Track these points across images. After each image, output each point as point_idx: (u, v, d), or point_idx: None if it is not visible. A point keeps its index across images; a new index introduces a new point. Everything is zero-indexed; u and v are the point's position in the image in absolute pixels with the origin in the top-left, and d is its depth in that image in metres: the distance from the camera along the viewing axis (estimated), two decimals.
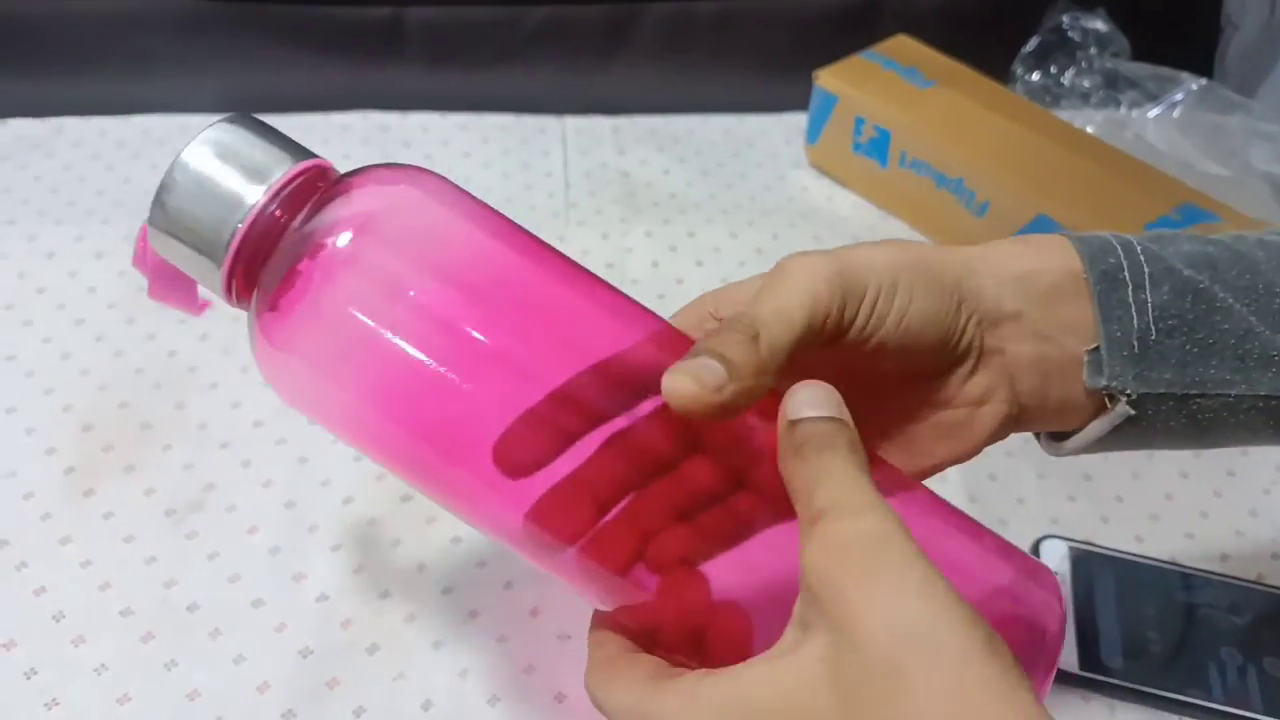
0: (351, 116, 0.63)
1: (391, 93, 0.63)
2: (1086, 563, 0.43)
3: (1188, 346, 0.29)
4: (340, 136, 0.62)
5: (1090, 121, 0.64)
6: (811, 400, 0.25)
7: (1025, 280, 0.29)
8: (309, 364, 0.27)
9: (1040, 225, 0.53)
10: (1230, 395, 0.29)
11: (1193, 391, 0.29)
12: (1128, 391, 0.29)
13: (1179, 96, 0.64)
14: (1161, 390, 0.29)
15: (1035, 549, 0.43)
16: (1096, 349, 0.29)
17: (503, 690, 0.38)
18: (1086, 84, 0.66)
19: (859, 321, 0.27)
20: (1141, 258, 0.29)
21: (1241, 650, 0.40)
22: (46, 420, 0.45)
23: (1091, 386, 0.29)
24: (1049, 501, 0.46)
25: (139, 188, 0.57)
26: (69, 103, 0.61)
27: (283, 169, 0.27)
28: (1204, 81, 0.63)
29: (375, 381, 0.27)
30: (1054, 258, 0.30)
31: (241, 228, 0.27)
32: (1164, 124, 0.63)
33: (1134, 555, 0.44)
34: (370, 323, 0.26)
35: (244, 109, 0.64)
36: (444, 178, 0.29)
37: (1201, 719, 0.39)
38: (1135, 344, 0.29)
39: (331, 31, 0.64)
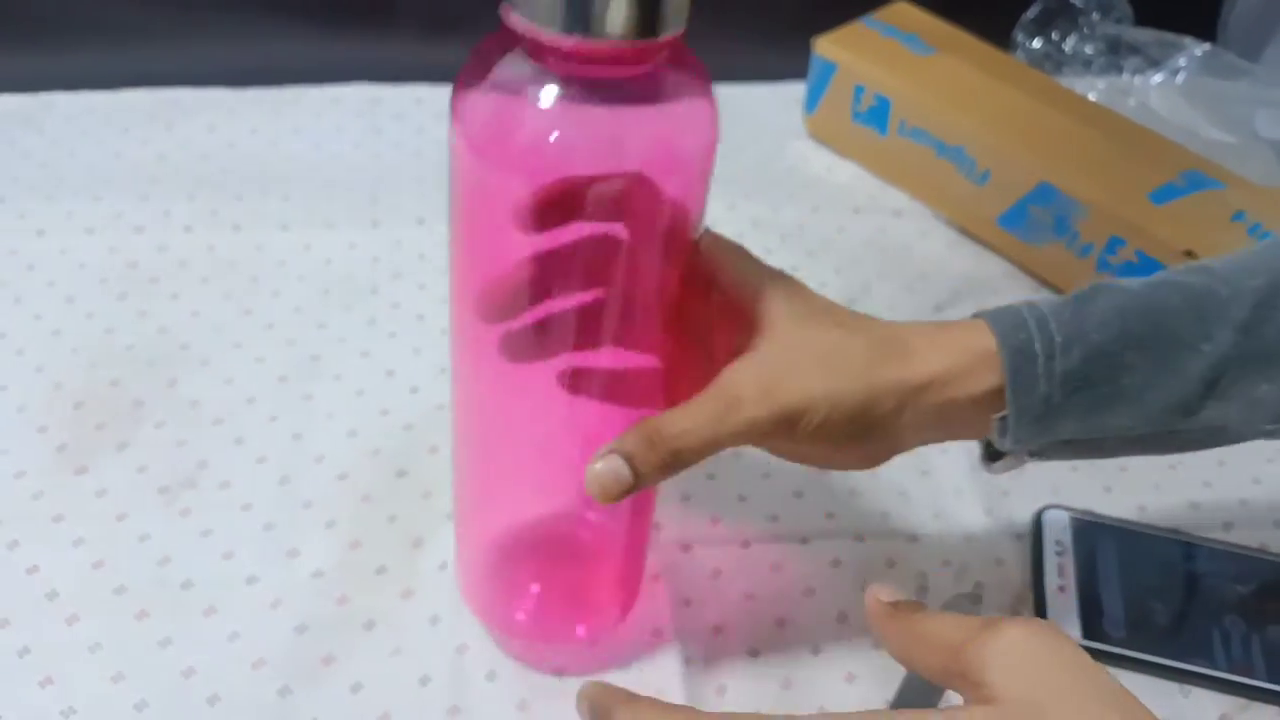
0: (343, 89, 0.62)
1: (383, 64, 0.63)
2: (1089, 533, 0.43)
3: (1091, 401, 0.31)
4: (332, 109, 0.61)
5: (1092, 89, 0.63)
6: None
7: (945, 407, 0.31)
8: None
9: (1043, 193, 0.53)
10: (1128, 432, 0.32)
11: (1094, 436, 0.32)
12: (1031, 450, 0.33)
13: (1182, 62, 0.63)
14: (1065, 439, 0.32)
15: (1038, 519, 0.43)
16: (1004, 417, 0.32)
17: (500, 666, 0.37)
18: (1089, 50, 0.65)
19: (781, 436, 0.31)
20: (1053, 328, 0.31)
21: (1245, 619, 0.40)
22: (38, 398, 0.45)
23: (999, 448, 0.33)
24: (1050, 471, 0.45)
25: (129, 163, 0.57)
26: (58, 77, 0.60)
27: None
28: (1208, 47, 0.63)
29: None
30: (977, 366, 0.31)
31: None
32: (1167, 90, 0.62)
33: (1137, 525, 0.43)
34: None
35: (236, 82, 0.64)
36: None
37: (1205, 687, 0.39)
38: (1042, 407, 0.31)
39: (322, 2, 0.63)
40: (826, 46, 0.60)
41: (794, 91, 0.64)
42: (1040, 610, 0.40)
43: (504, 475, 0.34)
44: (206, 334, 0.48)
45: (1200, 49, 0.63)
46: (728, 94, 0.64)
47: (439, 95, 0.62)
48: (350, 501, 0.42)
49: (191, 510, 0.41)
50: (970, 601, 0.40)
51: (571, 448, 0.32)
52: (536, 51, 0.25)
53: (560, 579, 0.38)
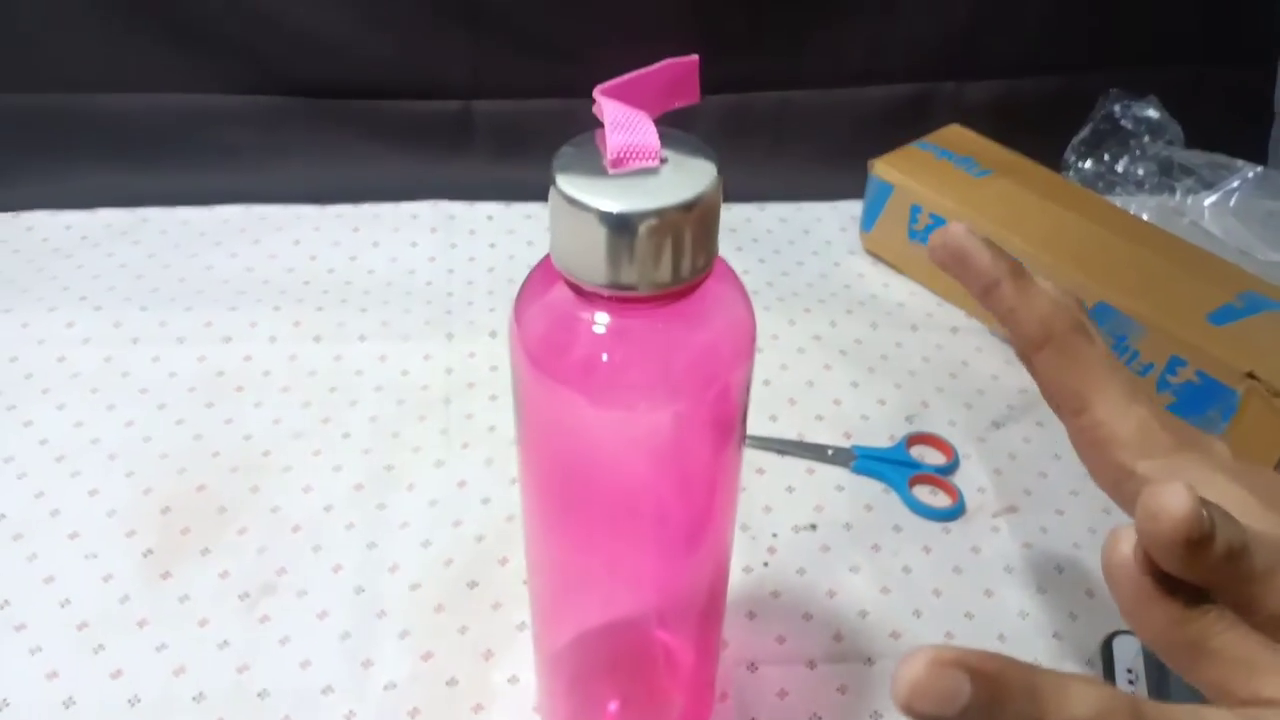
0: (421, 205, 0.65)
1: (459, 183, 0.66)
2: (1160, 661, 0.42)
3: None
4: (410, 224, 0.64)
5: (1145, 208, 0.65)
6: None
7: None
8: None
9: (1101, 313, 0.53)
10: None
11: None
12: None
13: (1235, 184, 0.64)
14: None
15: (1108, 645, 0.43)
16: None
17: None
18: (1140, 171, 0.66)
19: None
20: None
21: None
22: (128, 503, 0.47)
23: None
24: None
25: (219, 275, 0.60)
26: (155, 193, 0.64)
27: None
28: (1259, 169, 0.64)
29: None
30: None
31: None
32: (1221, 211, 0.63)
33: None
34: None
35: (321, 199, 0.68)
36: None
37: None
38: None
39: (404, 125, 0.66)
40: (883, 168, 0.62)
41: (851, 209, 0.66)
42: None
43: (574, 591, 0.35)
44: (287, 441, 0.50)
45: (1252, 170, 0.64)
46: (788, 212, 0.67)
47: (510, 212, 0.65)
48: (423, 612, 0.43)
49: (270, 617, 0.42)
50: None
51: (643, 563, 0.33)
52: (581, 290, 0.27)
53: (636, 697, 0.39)
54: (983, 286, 0.29)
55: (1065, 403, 0.30)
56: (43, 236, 0.62)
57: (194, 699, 0.40)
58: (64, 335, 0.55)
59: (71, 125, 0.65)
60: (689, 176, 0.26)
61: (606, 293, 0.26)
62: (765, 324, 0.58)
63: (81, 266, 0.60)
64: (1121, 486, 0.29)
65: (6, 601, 0.43)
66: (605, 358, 0.28)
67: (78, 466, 0.48)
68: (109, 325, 0.56)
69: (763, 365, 0.56)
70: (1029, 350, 0.30)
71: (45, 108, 0.65)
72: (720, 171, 0.27)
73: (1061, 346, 0.29)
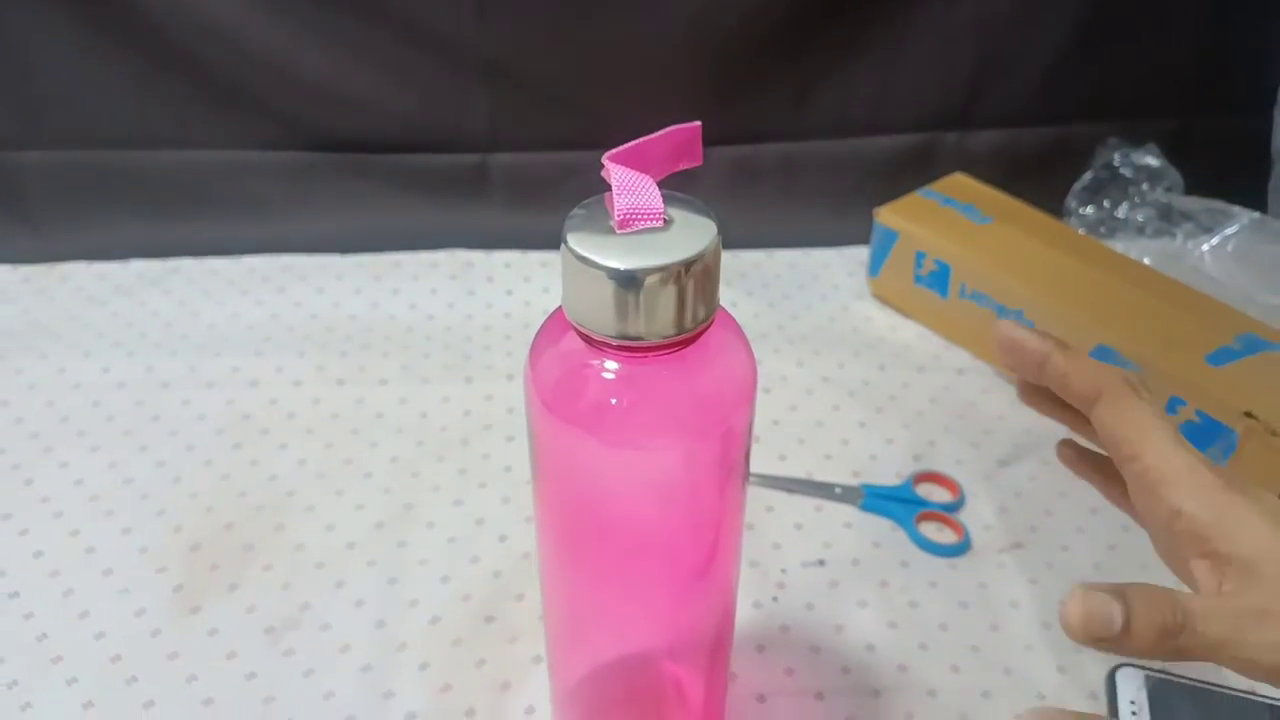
0: (440, 254, 0.68)
1: (477, 231, 0.68)
2: (1165, 693, 0.43)
3: None
4: (429, 272, 0.66)
5: (1146, 252, 0.66)
6: None
7: None
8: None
9: (1101, 355, 0.55)
10: None
11: None
12: None
13: (1233, 229, 0.65)
14: None
15: (1111, 678, 0.43)
16: None
17: None
18: (1140, 217, 0.68)
19: None
20: None
21: None
22: (159, 540, 0.48)
23: None
24: None
25: (246, 322, 0.62)
26: (185, 244, 0.67)
27: None
28: (1257, 215, 0.65)
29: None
30: None
31: None
32: (1220, 255, 0.65)
33: (1215, 685, 0.43)
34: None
35: (342, 248, 0.70)
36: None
37: None
38: None
39: (424, 177, 0.69)
40: (888, 216, 0.64)
41: (858, 255, 0.68)
42: None
43: (587, 625, 0.37)
44: (311, 482, 0.52)
45: (1249, 216, 0.65)
46: (796, 258, 0.69)
47: (526, 260, 0.67)
48: (442, 645, 0.44)
49: (295, 650, 0.44)
50: None
51: (653, 597, 0.35)
52: (591, 340, 0.29)
53: None
54: (1036, 364, 0.33)
55: (1120, 450, 0.31)
56: (79, 286, 0.64)
57: None
58: (99, 380, 0.57)
59: (106, 180, 0.68)
60: (691, 235, 0.28)
61: (615, 343, 0.28)
62: (775, 366, 0.60)
63: (115, 315, 0.62)
64: (1172, 526, 0.30)
65: (44, 635, 0.44)
66: (614, 402, 0.30)
67: (111, 506, 0.50)
68: (141, 370, 0.58)
69: (772, 406, 0.57)
70: (1086, 408, 0.32)
71: (81, 164, 0.68)
72: (720, 229, 0.28)
73: (1113, 400, 0.31)
